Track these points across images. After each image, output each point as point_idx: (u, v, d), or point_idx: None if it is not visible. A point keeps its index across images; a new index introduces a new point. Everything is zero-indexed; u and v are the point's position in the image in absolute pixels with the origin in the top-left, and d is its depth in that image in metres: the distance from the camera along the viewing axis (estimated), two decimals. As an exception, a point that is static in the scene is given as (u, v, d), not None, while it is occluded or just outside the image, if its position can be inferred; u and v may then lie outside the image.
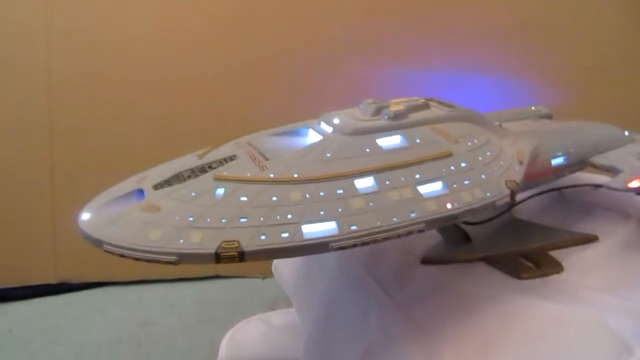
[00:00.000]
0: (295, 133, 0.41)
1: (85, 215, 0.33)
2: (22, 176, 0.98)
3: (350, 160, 0.35)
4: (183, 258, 0.29)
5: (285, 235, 0.30)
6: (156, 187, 0.34)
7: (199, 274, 1.00)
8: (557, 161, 0.48)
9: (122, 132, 0.97)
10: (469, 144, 0.38)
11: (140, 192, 0.34)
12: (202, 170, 0.35)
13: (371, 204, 0.32)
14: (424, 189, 0.34)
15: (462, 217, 0.34)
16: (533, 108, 0.63)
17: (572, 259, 0.46)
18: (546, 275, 0.43)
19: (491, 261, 0.46)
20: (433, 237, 0.50)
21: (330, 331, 0.44)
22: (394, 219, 0.32)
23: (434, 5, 0.99)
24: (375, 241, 0.31)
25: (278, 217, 0.30)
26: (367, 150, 0.36)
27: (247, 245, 0.29)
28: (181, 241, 0.29)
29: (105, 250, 0.30)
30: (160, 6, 0.97)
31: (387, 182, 0.33)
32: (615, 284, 0.41)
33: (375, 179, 0.33)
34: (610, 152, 0.52)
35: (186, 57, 0.98)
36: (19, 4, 0.94)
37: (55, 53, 0.96)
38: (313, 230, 0.30)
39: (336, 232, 0.30)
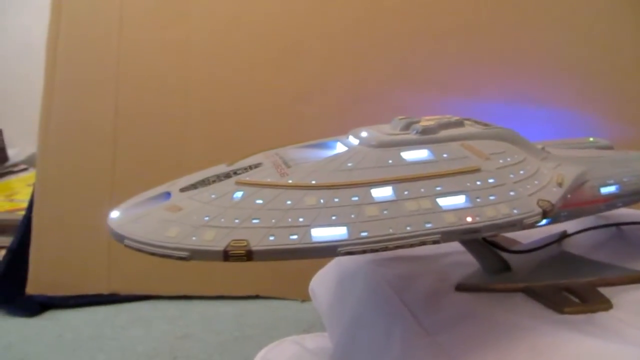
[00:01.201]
0: (323, 146, 0.42)
1: (114, 214, 0.35)
2: (85, 192, 1.04)
3: (371, 170, 0.35)
4: (194, 254, 0.30)
5: (294, 237, 0.30)
6: (182, 190, 0.36)
7: (240, 293, 1.01)
8: (607, 190, 0.45)
9: (178, 156, 1.02)
10: (501, 161, 0.37)
11: (167, 194, 0.36)
12: (227, 175, 0.36)
13: (385, 212, 0.32)
14: (444, 202, 0.33)
15: (484, 232, 0.32)
16: (591, 139, 0.60)
17: (624, 297, 0.42)
18: (592, 311, 0.40)
19: (531, 293, 0.43)
20: (471, 265, 0.48)
21: (354, 350, 0.43)
22: (408, 228, 0.31)
23: (487, 32, 0.98)
24: (386, 249, 0.30)
25: (289, 220, 0.31)
26: (390, 161, 0.35)
27: (256, 245, 0.29)
28: (194, 238, 0.30)
29: (126, 245, 0.32)
30: (217, 41, 1.03)
31: (406, 193, 0.33)
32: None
33: (394, 189, 0.33)
34: (671, 184, 0.48)
35: (240, 86, 1.02)
36: (93, 33, 1.03)
37: (123, 83, 1.04)
38: (322, 234, 0.30)
39: (346, 236, 0.30)
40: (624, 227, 0.56)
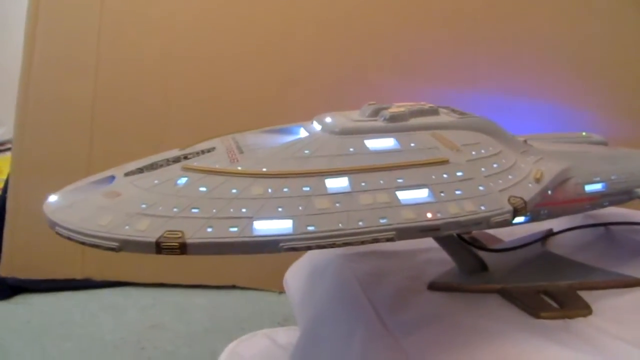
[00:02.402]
0: (285, 131, 0.39)
1: (52, 198, 0.32)
2: (60, 174, 0.99)
3: (329, 158, 0.31)
4: (125, 245, 0.27)
5: (234, 229, 0.27)
6: (127, 174, 0.33)
7: (216, 282, 0.98)
8: (592, 188, 0.42)
9: (158, 140, 0.99)
10: (473, 153, 0.34)
11: (112, 178, 0.33)
12: (177, 160, 0.33)
13: (338, 204, 0.29)
14: (404, 195, 0.30)
15: (445, 230, 0.29)
16: (584, 134, 0.57)
17: (605, 302, 0.39)
18: (569, 317, 0.37)
19: (508, 295, 0.41)
20: (448, 263, 0.45)
21: (316, 348, 0.41)
22: (360, 223, 0.28)
23: (482, 22, 0.94)
24: (333, 245, 0.28)
25: (232, 210, 0.28)
26: (351, 150, 0.32)
27: (191, 237, 0.26)
28: (127, 228, 0.27)
29: (57, 233, 0.29)
30: (200, 23, 0.99)
31: (363, 184, 0.30)
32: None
33: (350, 180, 0.30)
34: (662, 184, 0.45)
35: (225, 69, 0.99)
36: (73, 11, 1.00)
37: (103, 63, 1.00)
38: (265, 227, 0.27)
39: (290, 231, 0.27)
40: (612, 228, 0.53)
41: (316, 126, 0.37)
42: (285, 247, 0.27)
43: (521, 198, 0.31)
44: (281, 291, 0.94)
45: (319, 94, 0.96)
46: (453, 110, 0.39)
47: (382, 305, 0.40)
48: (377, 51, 0.96)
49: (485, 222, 0.30)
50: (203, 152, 0.34)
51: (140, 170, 0.33)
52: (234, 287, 0.97)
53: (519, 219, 0.40)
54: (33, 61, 1.01)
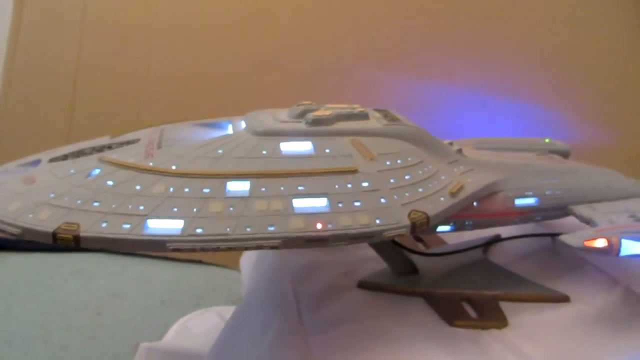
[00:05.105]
0: (215, 126, 0.39)
1: None
2: (40, 141, 1.01)
3: (239, 160, 0.32)
4: (25, 233, 0.28)
5: (126, 226, 0.28)
6: (52, 159, 0.34)
7: (183, 256, 0.99)
8: (523, 202, 0.42)
9: (136, 111, 0.99)
10: (388, 163, 0.34)
11: (37, 162, 0.34)
12: (100, 150, 0.34)
13: (231, 209, 0.29)
14: (300, 203, 0.30)
15: (334, 242, 0.30)
16: (547, 140, 0.56)
17: (524, 316, 0.40)
18: (483, 327, 0.38)
19: (431, 299, 0.41)
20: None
21: (238, 331, 0.42)
22: (248, 229, 0.28)
23: (465, 15, 0.93)
24: (217, 249, 0.28)
25: (130, 207, 0.29)
26: (264, 152, 0.33)
27: (85, 231, 0.27)
28: (31, 216, 0.28)
29: None
30: (182, 1, 0.99)
31: (263, 190, 0.30)
32: (555, 358, 0.35)
33: (252, 184, 0.30)
34: (602, 203, 0.45)
35: (202, 48, 0.99)
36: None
37: (87, 33, 1.00)
38: (156, 226, 0.28)
39: (178, 232, 0.28)
40: (560, 238, 0.53)
41: (243, 124, 0.37)
42: (171, 247, 0.28)
43: (424, 213, 0.32)
44: (243, 270, 0.95)
45: (294, 77, 0.95)
46: (386, 116, 0.39)
47: (307, 300, 0.41)
48: (354, 41, 0.95)
49: (378, 236, 0.30)
50: (128, 142, 0.35)
51: (65, 157, 0.34)
52: (200, 262, 0.98)
53: (444, 228, 0.40)
54: (20, 30, 1.01)
